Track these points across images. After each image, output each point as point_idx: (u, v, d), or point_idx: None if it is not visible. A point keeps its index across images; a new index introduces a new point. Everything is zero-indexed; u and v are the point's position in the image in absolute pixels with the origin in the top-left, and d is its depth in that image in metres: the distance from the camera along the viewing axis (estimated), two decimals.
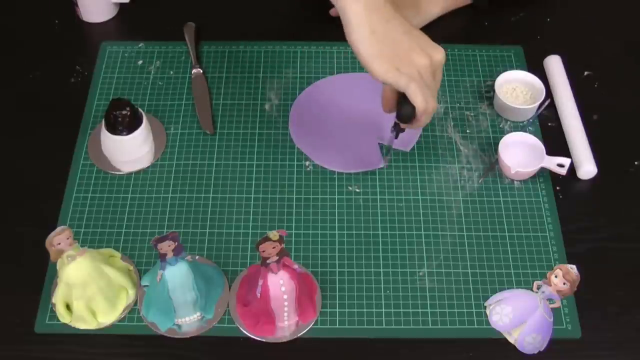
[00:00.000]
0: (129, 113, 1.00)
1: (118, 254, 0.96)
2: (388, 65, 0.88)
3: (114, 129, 1.00)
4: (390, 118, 1.12)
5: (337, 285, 0.94)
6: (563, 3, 1.29)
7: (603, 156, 1.06)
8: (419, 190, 1.03)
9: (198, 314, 0.91)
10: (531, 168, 1.02)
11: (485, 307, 0.93)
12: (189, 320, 0.91)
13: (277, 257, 0.83)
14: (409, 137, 1.08)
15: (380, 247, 0.98)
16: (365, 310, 0.93)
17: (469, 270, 0.96)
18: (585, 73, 1.18)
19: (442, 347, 0.90)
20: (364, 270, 0.96)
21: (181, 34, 1.20)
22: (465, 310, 0.93)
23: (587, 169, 1.04)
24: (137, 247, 0.97)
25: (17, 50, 1.20)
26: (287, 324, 0.90)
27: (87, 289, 0.87)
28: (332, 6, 0.89)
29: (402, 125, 0.98)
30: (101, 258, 0.90)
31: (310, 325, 0.91)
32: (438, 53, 0.90)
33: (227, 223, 1.00)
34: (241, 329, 0.91)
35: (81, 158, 1.06)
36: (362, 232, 0.99)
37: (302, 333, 0.91)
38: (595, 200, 1.04)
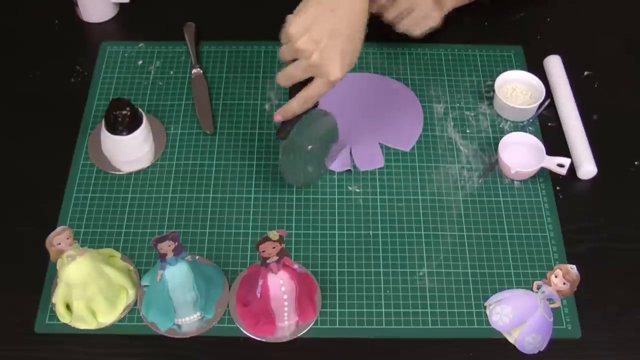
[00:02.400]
0: (129, 113, 1.00)
1: (118, 254, 0.96)
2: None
3: (114, 129, 1.00)
4: (391, 118, 1.12)
5: (337, 285, 0.94)
6: (563, 3, 1.29)
7: (603, 156, 1.06)
8: (419, 190, 1.03)
9: (198, 314, 0.91)
10: (531, 168, 1.02)
11: (485, 307, 0.93)
12: (189, 320, 0.91)
13: (277, 257, 0.84)
14: (409, 137, 1.09)
15: (380, 247, 0.98)
16: (365, 310, 0.93)
17: (469, 270, 0.96)
18: (585, 73, 1.18)
19: (442, 347, 0.90)
20: (364, 270, 0.96)
21: (181, 34, 1.20)
22: (465, 310, 0.93)
23: (587, 169, 1.04)
24: (137, 247, 0.97)
25: (17, 50, 1.20)
26: (287, 324, 0.90)
27: (87, 289, 0.88)
28: None
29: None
30: (101, 258, 0.90)
31: (310, 325, 0.91)
32: (332, 70, 0.89)
33: (227, 223, 1.00)
34: (241, 329, 0.91)
35: (81, 158, 1.06)
36: (362, 232, 0.99)
37: (302, 333, 0.91)
38: (595, 200, 1.04)
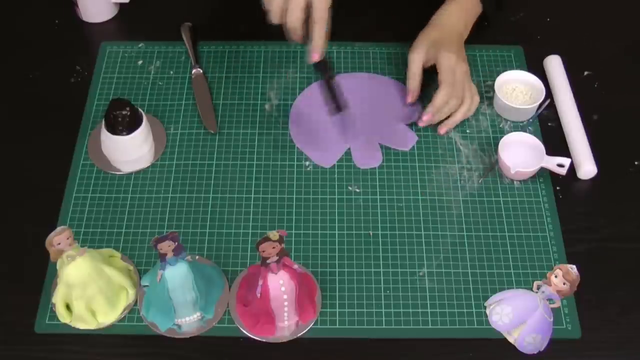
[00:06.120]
0: (128, 113, 1.00)
1: (118, 254, 0.96)
2: None
3: (114, 129, 1.00)
4: (390, 118, 1.12)
5: (337, 285, 0.94)
6: (563, 3, 1.29)
7: (603, 156, 1.06)
8: (419, 190, 1.03)
9: (198, 314, 0.91)
10: (531, 168, 1.02)
11: (485, 307, 0.93)
12: (188, 320, 0.91)
13: (277, 257, 0.84)
14: (409, 137, 1.09)
15: (380, 247, 0.98)
16: (365, 310, 0.93)
17: (469, 270, 0.96)
18: (585, 73, 1.18)
19: (443, 347, 0.90)
20: (364, 270, 0.96)
21: (181, 33, 1.20)
22: (465, 310, 0.93)
23: (587, 169, 1.04)
24: (137, 247, 0.97)
25: (17, 50, 1.20)
26: (287, 324, 0.90)
27: (87, 289, 0.88)
28: None
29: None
30: (101, 258, 0.90)
31: (310, 325, 0.91)
32: None
33: (227, 223, 1.00)
34: (241, 329, 0.91)
35: (81, 158, 1.06)
36: (362, 232, 0.99)
37: (302, 333, 0.91)
38: (595, 200, 1.04)
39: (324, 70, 1.00)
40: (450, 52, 1.06)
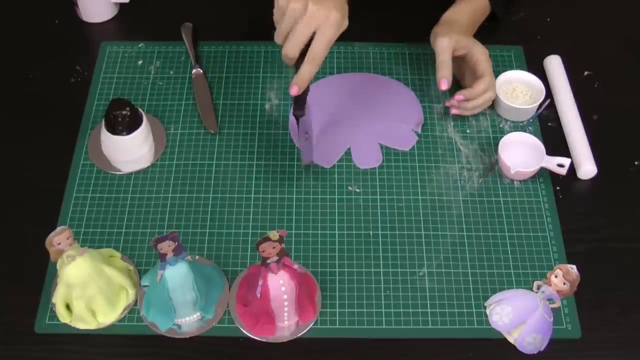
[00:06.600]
0: (128, 113, 1.00)
1: (118, 254, 0.96)
2: None
3: (114, 129, 1.00)
4: (391, 118, 1.12)
5: (337, 285, 0.94)
6: (563, 3, 1.29)
7: (603, 156, 1.06)
8: (419, 190, 1.03)
9: (198, 314, 0.91)
10: (531, 168, 1.02)
11: (485, 307, 0.93)
12: (189, 320, 0.91)
13: (277, 257, 0.84)
14: (409, 137, 1.09)
15: (380, 247, 0.98)
16: (365, 310, 0.93)
17: (469, 270, 0.96)
18: (585, 73, 1.18)
19: (443, 347, 0.90)
20: (364, 270, 0.96)
21: (181, 33, 1.20)
22: (465, 310, 0.93)
23: (587, 169, 1.04)
24: (137, 247, 0.97)
25: (17, 50, 1.20)
26: (287, 324, 0.90)
27: (87, 289, 0.88)
28: None
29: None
30: (101, 258, 0.90)
31: (310, 325, 0.91)
32: (331, 12, 0.90)
33: (227, 223, 1.00)
34: (241, 329, 0.91)
35: (81, 158, 1.06)
36: (362, 232, 0.99)
37: (302, 333, 0.91)
38: (595, 200, 1.04)
39: (297, 107, 0.95)
40: (482, 46, 1.08)
